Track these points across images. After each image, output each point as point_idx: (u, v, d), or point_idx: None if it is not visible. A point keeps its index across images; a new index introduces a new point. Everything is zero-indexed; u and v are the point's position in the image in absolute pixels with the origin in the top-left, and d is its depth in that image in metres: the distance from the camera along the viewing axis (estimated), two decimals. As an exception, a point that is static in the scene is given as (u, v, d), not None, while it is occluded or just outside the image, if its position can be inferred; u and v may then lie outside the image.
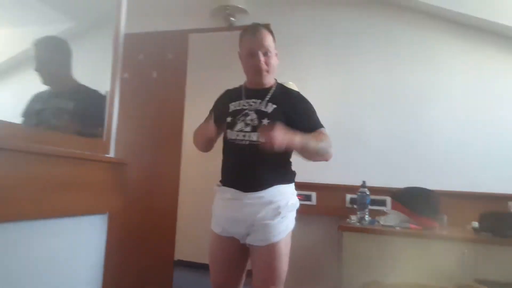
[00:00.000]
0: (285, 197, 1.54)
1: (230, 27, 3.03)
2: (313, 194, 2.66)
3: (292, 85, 2.51)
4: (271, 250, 1.48)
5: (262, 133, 1.37)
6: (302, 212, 2.57)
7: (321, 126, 1.60)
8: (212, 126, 1.54)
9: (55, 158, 1.25)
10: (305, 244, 2.62)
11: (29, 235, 1.20)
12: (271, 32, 1.61)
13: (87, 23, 1.73)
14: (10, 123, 1.17)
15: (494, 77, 2.52)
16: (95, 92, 1.61)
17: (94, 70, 1.77)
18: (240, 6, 2.96)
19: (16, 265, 1.17)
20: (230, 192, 1.54)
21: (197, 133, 1.65)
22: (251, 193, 1.50)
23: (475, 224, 2.05)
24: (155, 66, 3.10)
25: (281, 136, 1.35)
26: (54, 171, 1.25)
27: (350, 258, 2.03)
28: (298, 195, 2.61)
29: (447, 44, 2.62)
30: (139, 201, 2.86)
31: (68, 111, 1.46)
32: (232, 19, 3.02)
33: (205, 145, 1.66)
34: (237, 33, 1.70)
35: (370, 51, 2.73)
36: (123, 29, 1.80)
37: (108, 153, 1.57)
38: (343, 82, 2.76)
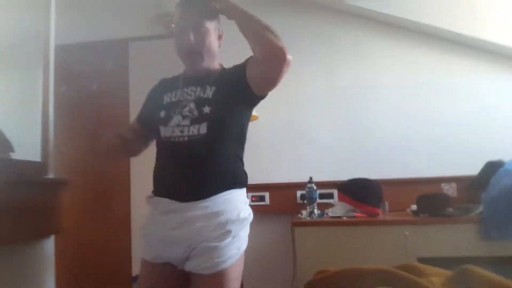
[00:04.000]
0: (235, 207, 1.25)
1: (171, 34, 3.01)
2: (266, 195, 2.72)
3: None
4: (218, 278, 1.18)
5: None
6: (257, 213, 2.65)
7: None
8: (110, 137, 1.30)
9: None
10: (261, 244, 2.67)
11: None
12: (211, 8, 1.32)
13: (14, 38, 1.64)
14: None
15: (421, 71, 2.72)
16: None
17: (27, 87, 1.69)
18: (179, 13, 2.95)
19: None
20: (164, 203, 1.25)
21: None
22: (192, 202, 1.21)
23: (414, 207, 2.21)
24: (95, 77, 3.02)
25: None
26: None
27: (303, 251, 2.10)
28: (252, 196, 2.70)
29: (378, 43, 2.79)
30: (88, 219, 2.75)
31: None
32: (174, 26, 3.00)
33: (133, 153, 1.44)
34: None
35: (311, 52, 2.84)
36: (53, 40, 1.69)
37: (46, 174, 1.48)
38: (287, 84, 2.83)
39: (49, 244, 1.50)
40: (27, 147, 1.46)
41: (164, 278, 1.27)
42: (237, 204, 1.27)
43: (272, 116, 2.73)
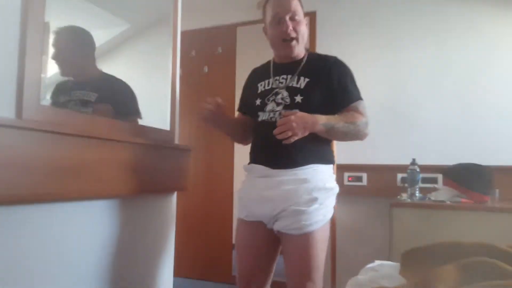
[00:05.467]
0: (321, 177, 1.38)
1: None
2: (364, 175, 2.72)
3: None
4: (306, 239, 1.33)
5: (279, 125, 1.26)
6: (354, 193, 2.68)
7: (358, 98, 1.43)
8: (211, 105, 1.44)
9: (132, 145, 1.42)
10: (355, 226, 2.70)
11: (116, 211, 1.40)
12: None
13: (142, 24, 1.87)
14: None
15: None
16: (120, 82, 1.54)
17: (151, 69, 1.95)
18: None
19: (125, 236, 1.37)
20: (259, 169, 1.42)
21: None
22: (283, 170, 1.36)
23: (530, 196, 2.03)
24: (206, 61, 3.32)
25: (299, 125, 1.24)
26: (131, 156, 1.41)
27: (400, 234, 2.09)
28: (349, 176, 2.73)
29: (496, 20, 2.54)
30: (199, 185, 3.13)
31: (92, 102, 1.40)
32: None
33: (239, 137, 1.61)
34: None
35: (417, 30, 2.71)
36: (179, 27, 1.90)
37: (173, 141, 1.75)
38: (391, 63, 2.77)
39: (173, 199, 1.77)
40: (157, 118, 1.74)
41: (256, 233, 1.45)
42: (323, 175, 1.40)
43: (374, 95, 2.65)
